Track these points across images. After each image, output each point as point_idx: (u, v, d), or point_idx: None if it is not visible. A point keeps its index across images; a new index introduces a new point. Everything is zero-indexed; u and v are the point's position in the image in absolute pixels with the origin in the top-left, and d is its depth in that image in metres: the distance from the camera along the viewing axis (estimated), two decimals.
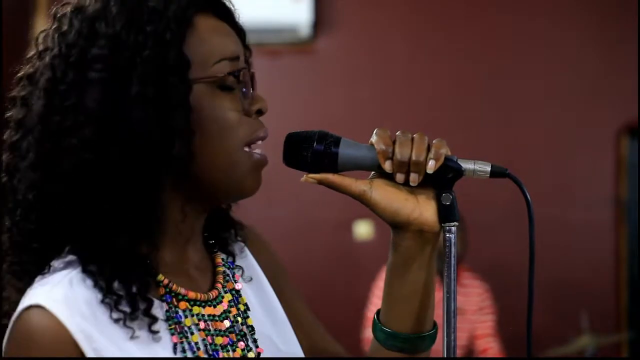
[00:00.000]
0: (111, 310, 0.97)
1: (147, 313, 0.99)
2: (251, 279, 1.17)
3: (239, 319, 1.09)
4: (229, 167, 1.03)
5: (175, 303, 1.03)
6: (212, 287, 1.10)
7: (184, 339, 1.01)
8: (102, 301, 0.97)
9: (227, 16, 1.08)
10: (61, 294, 0.95)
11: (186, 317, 1.03)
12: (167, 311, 1.02)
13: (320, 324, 1.27)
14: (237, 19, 1.10)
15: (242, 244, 1.19)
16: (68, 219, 0.99)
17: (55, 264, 1.00)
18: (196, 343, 1.02)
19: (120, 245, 0.99)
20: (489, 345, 4.11)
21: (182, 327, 1.02)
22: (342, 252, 5.10)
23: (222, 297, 1.09)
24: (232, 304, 1.09)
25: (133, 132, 0.96)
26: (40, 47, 1.03)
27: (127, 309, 0.97)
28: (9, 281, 1.04)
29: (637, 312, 4.88)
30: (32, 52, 1.04)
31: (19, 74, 1.04)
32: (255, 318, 1.11)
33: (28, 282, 1.01)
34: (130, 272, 0.99)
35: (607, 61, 4.98)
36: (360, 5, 5.22)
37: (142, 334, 0.98)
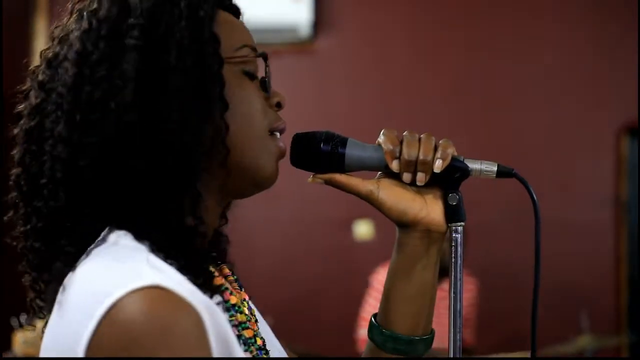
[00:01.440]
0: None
1: (217, 293, 0.96)
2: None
3: (256, 328, 1.08)
4: (257, 148, 1.02)
5: (228, 297, 1.02)
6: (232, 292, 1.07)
7: (241, 332, 1.00)
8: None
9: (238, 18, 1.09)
10: (161, 272, 0.86)
11: (236, 312, 1.02)
12: (226, 302, 1.00)
13: None
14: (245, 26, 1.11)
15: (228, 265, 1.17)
16: (101, 192, 0.94)
17: (104, 247, 0.92)
18: (249, 339, 1.01)
19: (167, 216, 0.93)
20: (470, 336, 4.16)
21: (239, 321, 1.01)
22: (342, 252, 5.10)
23: (244, 302, 1.08)
24: (250, 312, 1.08)
25: (171, 99, 0.94)
26: (61, 34, 1.01)
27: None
28: (53, 273, 0.96)
29: (637, 312, 4.88)
30: (47, 45, 1.02)
31: (31, 67, 1.03)
32: (263, 331, 1.11)
33: (68, 265, 0.93)
34: (194, 251, 0.93)
35: (607, 61, 4.98)
36: (360, 5, 5.22)
37: None
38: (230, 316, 0.99)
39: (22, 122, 1.00)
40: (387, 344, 1.14)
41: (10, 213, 1.01)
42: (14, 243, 1.01)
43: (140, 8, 0.96)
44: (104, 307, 0.81)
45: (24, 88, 1.02)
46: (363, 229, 5.06)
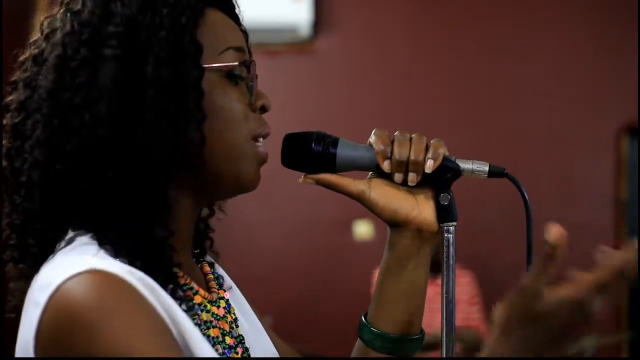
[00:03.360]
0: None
1: (176, 295, 0.94)
2: (231, 287, 1.16)
3: (233, 325, 1.08)
4: (235, 157, 1.02)
5: (192, 296, 1.01)
6: (210, 290, 1.08)
7: (204, 331, 0.99)
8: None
9: (233, 16, 1.08)
10: (106, 260, 0.89)
11: (202, 311, 1.01)
12: (188, 301, 0.98)
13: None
14: (241, 21, 1.10)
15: (212, 257, 1.17)
16: (74, 198, 0.95)
17: (66, 248, 0.94)
18: (213, 338, 1.01)
19: (135, 224, 0.94)
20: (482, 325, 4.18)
21: (202, 320, 1.00)
22: (342, 252, 5.10)
23: (219, 301, 1.08)
24: (227, 310, 1.08)
25: (146, 111, 0.94)
26: (47, 30, 1.00)
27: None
28: (15, 270, 1.00)
29: (637, 312, 4.88)
30: (36, 36, 1.02)
31: (21, 57, 1.02)
32: (242, 327, 1.10)
33: (32, 266, 0.96)
34: (152, 253, 0.94)
35: (607, 61, 4.98)
36: (360, 5, 5.22)
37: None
38: (192, 315, 0.97)
39: (9, 115, 1.01)
40: (376, 342, 1.14)
41: None
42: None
43: (121, 15, 0.96)
44: (47, 294, 0.86)
45: (12, 79, 1.02)
46: (363, 229, 5.06)
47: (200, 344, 0.90)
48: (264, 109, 1.06)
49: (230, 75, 1.02)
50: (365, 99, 5.14)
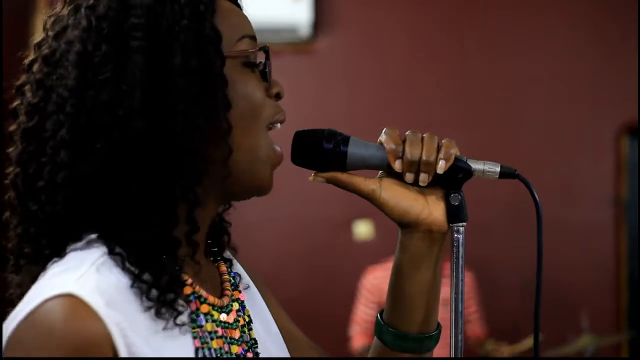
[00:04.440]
0: (142, 297, 0.92)
1: (173, 306, 0.94)
2: (248, 286, 1.16)
3: (245, 329, 1.07)
4: (254, 149, 1.01)
5: (199, 305, 1.00)
6: (222, 294, 1.07)
7: (205, 345, 0.97)
8: (132, 286, 0.92)
9: (238, 6, 1.08)
10: (93, 281, 0.89)
11: (207, 321, 1.00)
12: (191, 313, 0.98)
13: (303, 334, 1.24)
14: (243, 11, 1.10)
15: (230, 253, 1.17)
16: (99, 200, 0.93)
17: (73, 248, 0.94)
18: (216, 350, 0.99)
19: (154, 229, 0.93)
20: (479, 328, 4.17)
21: (204, 332, 0.98)
22: (342, 251, 5.09)
23: (232, 305, 1.06)
24: (240, 314, 1.07)
25: (178, 102, 0.93)
26: (56, 28, 0.98)
27: (158, 306, 0.92)
28: (24, 267, 0.98)
29: (637, 312, 4.88)
30: (41, 37, 1.00)
31: (26, 60, 1.00)
32: (256, 330, 1.10)
33: (42, 267, 0.94)
34: (161, 260, 0.93)
35: (607, 61, 4.98)
36: (360, 5, 5.22)
37: (168, 327, 0.93)
38: (193, 328, 0.97)
39: (19, 119, 0.98)
40: (397, 342, 1.13)
41: (7, 214, 0.99)
42: (4, 242, 1.00)
43: (140, 6, 0.94)
44: (25, 311, 0.87)
45: (18, 83, 1.00)
46: (363, 229, 5.06)
47: None
48: (279, 96, 1.06)
49: (247, 63, 1.02)
50: (365, 98, 5.14)
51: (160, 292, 0.92)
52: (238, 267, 1.17)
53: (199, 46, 0.95)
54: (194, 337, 0.97)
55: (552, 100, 5.03)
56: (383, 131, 1.09)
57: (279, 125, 1.05)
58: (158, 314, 0.92)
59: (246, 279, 1.17)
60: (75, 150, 0.93)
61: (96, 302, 0.87)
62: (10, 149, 0.98)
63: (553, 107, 5.02)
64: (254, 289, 1.17)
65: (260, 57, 1.06)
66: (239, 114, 0.99)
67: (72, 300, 0.86)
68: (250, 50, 1.01)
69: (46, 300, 0.86)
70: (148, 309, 0.92)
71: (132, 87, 0.92)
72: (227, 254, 1.16)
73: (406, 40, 5.16)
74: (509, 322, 4.48)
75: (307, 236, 5.11)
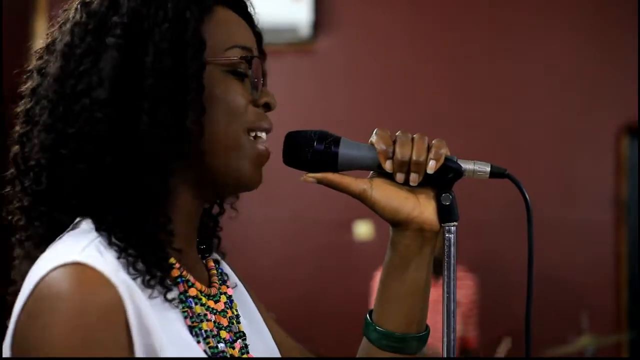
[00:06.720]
0: (129, 268, 0.94)
1: (163, 282, 0.97)
2: (236, 285, 1.17)
3: (234, 321, 1.09)
4: (231, 150, 1.03)
5: (187, 288, 1.02)
6: (210, 285, 1.10)
7: (196, 324, 1.00)
8: (118, 258, 0.94)
9: (247, 17, 1.10)
10: (97, 252, 0.92)
11: (196, 304, 1.02)
12: (180, 294, 1.01)
13: (292, 340, 1.26)
14: (255, 22, 1.12)
15: (219, 255, 1.19)
16: (78, 182, 0.98)
17: (68, 232, 0.98)
18: (206, 331, 1.01)
19: (132, 211, 0.97)
20: (470, 333, 4.17)
21: (194, 313, 1.01)
22: (342, 252, 5.10)
23: (220, 297, 1.09)
24: (228, 306, 1.09)
25: (144, 100, 0.97)
26: (60, 20, 1.05)
27: (147, 277, 0.95)
28: (22, 250, 1.03)
29: (637, 312, 4.88)
30: (54, 27, 1.06)
31: (36, 49, 1.07)
32: (244, 326, 1.11)
33: (37, 246, 1.00)
34: (147, 241, 0.97)
35: (607, 61, 4.99)
36: (360, 5, 5.22)
37: (159, 303, 0.96)
38: (183, 308, 1.00)
39: (22, 101, 1.05)
40: (382, 341, 1.14)
41: (8, 188, 1.05)
42: (9, 217, 1.05)
43: (127, 6, 0.99)
44: (32, 284, 0.89)
45: (28, 68, 1.06)
46: (363, 229, 5.07)
47: (177, 342, 0.94)
48: (268, 107, 1.07)
49: (235, 72, 1.04)
50: (365, 98, 5.15)
51: (147, 267, 0.95)
52: (226, 268, 1.19)
53: (175, 49, 0.98)
54: (185, 317, 1.00)
55: (552, 100, 5.03)
56: (374, 132, 1.10)
57: (264, 135, 1.07)
58: (148, 286, 0.95)
59: (234, 279, 1.18)
60: (55, 134, 0.99)
61: (105, 269, 0.90)
62: (15, 129, 1.05)
63: (553, 107, 5.02)
64: (242, 289, 1.19)
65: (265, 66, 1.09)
66: (215, 118, 1.01)
67: (81, 268, 0.89)
68: (232, 60, 1.03)
69: (52, 270, 0.89)
70: (139, 280, 0.94)
71: (101, 80, 0.97)
72: (216, 256, 1.18)
73: (406, 41, 5.17)
74: (512, 323, 4.48)
75: (307, 236, 5.12)
